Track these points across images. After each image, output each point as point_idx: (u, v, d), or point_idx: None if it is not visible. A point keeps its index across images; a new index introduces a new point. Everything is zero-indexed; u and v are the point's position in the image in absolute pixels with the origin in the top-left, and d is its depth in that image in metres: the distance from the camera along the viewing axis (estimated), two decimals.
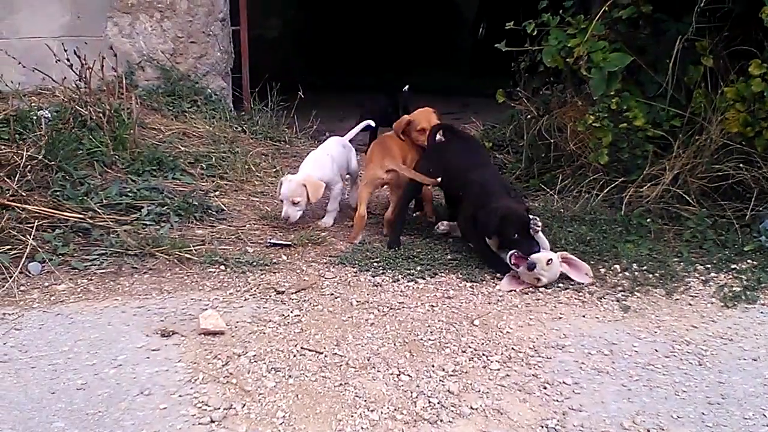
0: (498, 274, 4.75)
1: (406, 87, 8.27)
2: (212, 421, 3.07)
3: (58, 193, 5.28)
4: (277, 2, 14.13)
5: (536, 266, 4.55)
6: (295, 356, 3.63)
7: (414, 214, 5.98)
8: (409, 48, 15.97)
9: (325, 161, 5.82)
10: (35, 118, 6.32)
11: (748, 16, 5.46)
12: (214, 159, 6.79)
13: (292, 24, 15.04)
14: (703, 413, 3.23)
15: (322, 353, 3.66)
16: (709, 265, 4.96)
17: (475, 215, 4.79)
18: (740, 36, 5.70)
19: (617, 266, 4.91)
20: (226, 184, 6.40)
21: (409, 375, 3.48)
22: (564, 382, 3.46)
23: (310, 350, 3.69)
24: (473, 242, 5.06)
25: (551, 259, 4.60)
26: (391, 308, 4.23)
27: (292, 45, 14.80)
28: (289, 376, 3.44)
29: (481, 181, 4.96)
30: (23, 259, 4.62)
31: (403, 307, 4.25)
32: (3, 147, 5.52)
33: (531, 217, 4.71)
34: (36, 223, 4.89)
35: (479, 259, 4.96)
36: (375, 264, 4.92)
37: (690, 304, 4.42)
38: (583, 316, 4.21)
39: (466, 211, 5.00)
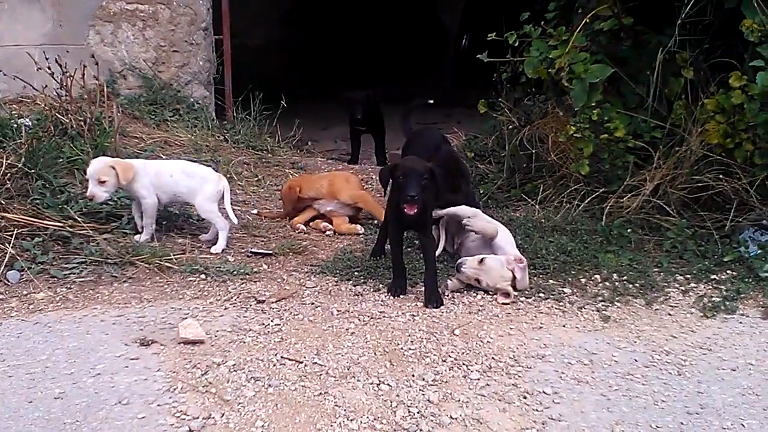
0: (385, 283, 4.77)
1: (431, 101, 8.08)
2: (191, 431, 3.05)
3: (37, 201, 5.25)
4: (261, 12, 14.13)
5: (463, 266, 4.69)
6: (274, 365, 3.62)
7: None
8: (393, 59, 15.99)
9: (142, 168, 5.35)
10: (16, 126, 6.28)
11: (729, 29, 5.50)
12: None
13: (276, 33, 15.04)
14: (681, 423, 3.25)
15: (302, 362, 3.66)
16: (688, 276, 4.99)
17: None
18: (721, 48, 5.75)
19: (598, 276, 4.93)
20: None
21: (389, 384, 3.47)
22: (544, 392, 3.47)
23: (290, 359, 3.68)
24: (390, 238, 4.94)
25: (483, 259, 4.67)
26: (371, 317, 4.23)
27: (276, 54, 14.78)
28: (269, 386, 3.43)
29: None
30: (2, 268, 4.60)
31: (384, 317, 4.25)
32: None
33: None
34: (15, 231, 4.85)
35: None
36: (356, 273, 4.92)
37: (670, 314, 4.44)
38: (564, 326, 4.22)
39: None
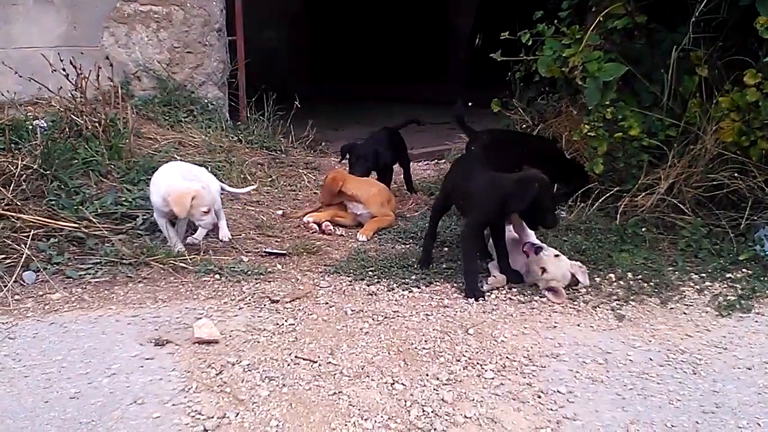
0: (463, 292, 4.66)
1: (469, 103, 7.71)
2: (206, 430, 3.07)
3: (53, 202, 5.28)
4: (274, 13, 14.16)
5: (543, 250, 4.67)
6: (289, 365, 3.63)
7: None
8: (405, 59, 15.98)
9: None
10: (31, 127, 6.32)
11: (743, 26, 5.47)
12: (209, 168, 6.75)
13: (289, 34, 15.08)
14: (697, 422, 3.23)
15: (316, 362, 3.66)
16: (703, 274, 4.96)
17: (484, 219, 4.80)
18: (735, 46, 5.71)
19: (612, 275, 4.92)
20: (221, 194, 6.38)
21: (403, 384, 3.48)
22: (558, 391, 3.46)
23: (304, 359, 3.69)
24: (469, 250, 4.83)
25: (558, 255, 4.68)
26: (385, 317, 4.23)
27: (289, 55, 14.82)
28: (283, 385, 3.43)
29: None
30: (18, 268, 4.63)
31: (398, 316, 4.25)
32: None
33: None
34: (31, 233, 4.89)
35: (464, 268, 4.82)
36: (370, 273, 4.92)
37: (685, 313, 4.42)
38: (578, 325, 4.21)
39: (472, 218, 4.91)
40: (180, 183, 5.05)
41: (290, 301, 4.43)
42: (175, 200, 4.88)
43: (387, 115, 10.52)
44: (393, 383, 3.48)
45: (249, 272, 4.87)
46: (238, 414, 3.19)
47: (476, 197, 4.85)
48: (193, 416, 3.16)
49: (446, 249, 5.39)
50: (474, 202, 4.88)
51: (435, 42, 16.40)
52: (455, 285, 4.74)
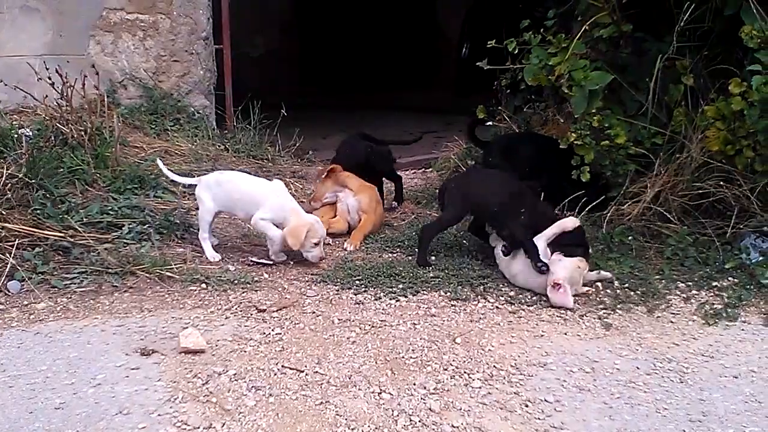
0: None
1: None
2: None
3: (38, 211, 5.24)
4: (261, 21, 14.17)
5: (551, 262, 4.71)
6: (275, 375, 3.62)
7: None
8: (394, 67, 15.98)
9: None
10: (16, 136, 6.29)
11: (728, 35, 5.50)
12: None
13: (276, 43, 15.08)
14: (684, 431, 3.24)
15: (303, 371, 3.65)
16: (690, 283, 4.97)
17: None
18: (720, 55, 5.74)
19: (599, 284, 4.92)
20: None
21: (390, 393, 3.47)
22: (545, 400, 3.46)
23: (291, 368, 3.68)
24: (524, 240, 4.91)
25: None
26: (372, 326, 4.22)
27: (276, 63, 14.82)
28: (270, 395, 3.42)
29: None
30: (2, 278, 4.59)
31: (385, 325, 4.24)
32: None
33: None
34: (16, 242, 4.84)
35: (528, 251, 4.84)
36: (357, 282, 4.90)
37: (671, 322, 4.43)
38: (565, 334, 4.21)
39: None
40: (299, 212, 5.27)
41: (277, 311, 4.42)
42: (291, 232, 5.11)
43: (377, 123, 10.53)
44: (380, 392, 3.48)
45: (235, 281, 4.85)
46: (224, 424, 3.17)
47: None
48: (180, 427, 3.14)
49: (433, 258, 5.37)
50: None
51: (425, 49, 16.41)
52: (442, 294, 4.73)
